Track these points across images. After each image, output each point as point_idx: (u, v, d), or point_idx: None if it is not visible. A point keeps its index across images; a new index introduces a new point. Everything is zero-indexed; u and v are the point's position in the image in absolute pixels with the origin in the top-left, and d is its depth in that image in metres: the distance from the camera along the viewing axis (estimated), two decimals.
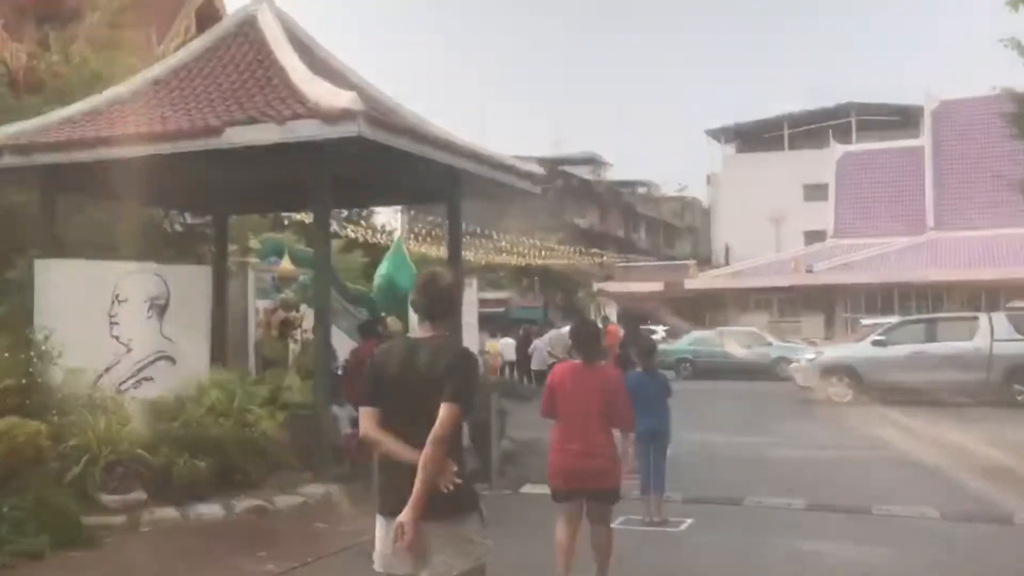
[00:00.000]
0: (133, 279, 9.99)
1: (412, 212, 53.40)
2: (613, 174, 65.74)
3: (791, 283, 37.68)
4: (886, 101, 57.41)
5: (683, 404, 21.49)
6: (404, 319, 14.36)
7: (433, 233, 46.36)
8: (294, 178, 11.32)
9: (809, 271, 37.61)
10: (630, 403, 6.57)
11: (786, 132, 59.83)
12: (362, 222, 40.71)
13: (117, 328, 9.88)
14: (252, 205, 14.73)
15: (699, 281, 42.32)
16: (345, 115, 9.61)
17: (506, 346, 27.16)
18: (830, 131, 53.30)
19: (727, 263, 50.48)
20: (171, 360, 10.20)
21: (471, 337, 23.73)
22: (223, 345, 13.35)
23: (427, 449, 3.88)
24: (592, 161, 63.35)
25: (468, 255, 45.81)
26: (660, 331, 38.84)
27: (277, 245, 28.15)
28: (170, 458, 9.22)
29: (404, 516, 3.85)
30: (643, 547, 8.09)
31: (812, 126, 58.21)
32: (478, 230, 44.85)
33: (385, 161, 11.44)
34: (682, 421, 17.22)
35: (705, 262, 55.42)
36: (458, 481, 3.95)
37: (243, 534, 8.59)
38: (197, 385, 10.16)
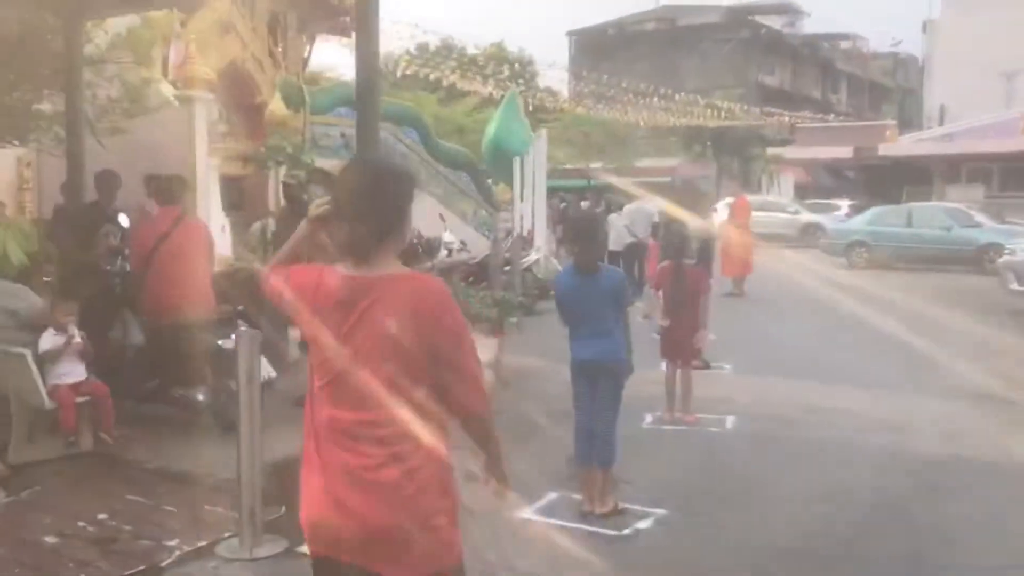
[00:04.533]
0: None
1: (577, 71, 47.15)
2: (811, 25, 55.97)
3: (1017, 148, 28.80)
4: None
5: (825, 310, 14.01)
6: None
7: (603, 94, 40.13)
8: None
9: None
10: (479, 364, 2.59)
11: None
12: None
13: None
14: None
15: (897, 146, 33.79)
16: None
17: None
18: None
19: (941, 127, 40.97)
20: None
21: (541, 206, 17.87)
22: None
23: None
24: (786, 10, 53.87)
25: (632, 115, 39.21)
26: (844, 206, 31.24)
27: (347, 92, 22.98)
28: None
29: None
30: None
31: None
32: (644, 87, 38.00)
33: None
34: (798, 345, 10.85)
35: (912, 125, 45.87)
36: None
37: None
38: None
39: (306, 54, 22.04)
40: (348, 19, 22.80)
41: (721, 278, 15.35)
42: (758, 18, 50.83)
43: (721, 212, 20.56)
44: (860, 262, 20.93)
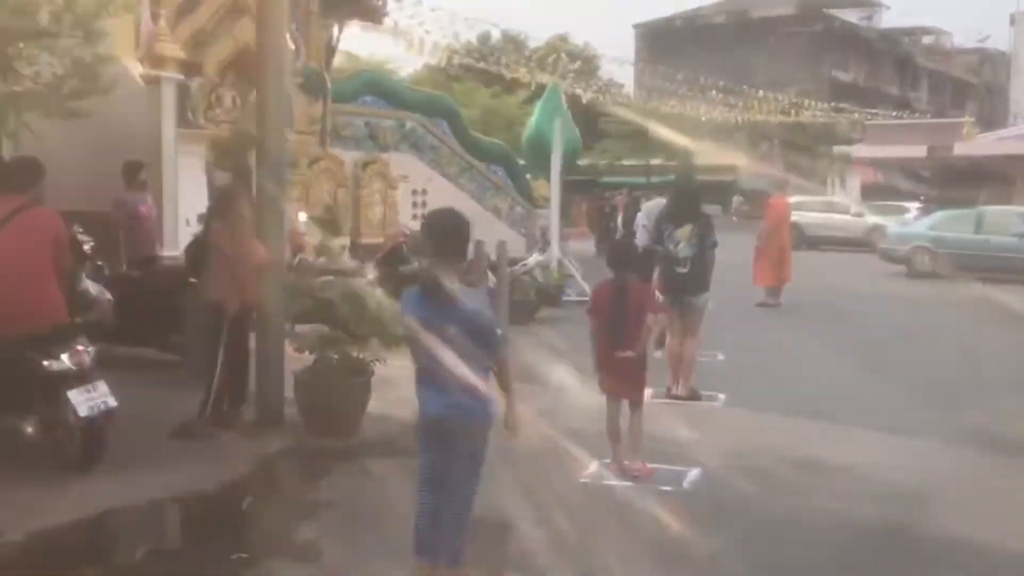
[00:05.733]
0: None
1: (643, 64, 45.43)
2: (890, 19, 53.03)
3: None
4: None
5: (867, 326, 12.18)
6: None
7: (668, 89, 38.35)
8: None
9: None
10: None
11: None
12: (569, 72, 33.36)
13: None
14: None
15: (975, 145, 31.19)
16: None
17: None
18: None
19: None
20: None
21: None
22: None
23: None
24: (864, 3, 51.10)
25: (694, 111, 37.41)
26: (913, 208, 28.90)
27: (373, 80, 21.79)
28: None
29: None
30: None
31: None
32: (710, 81, 36.16)
33: None
34: (819, 371, 8.95)
35: (998, 124, 42.83)
36: None
37: None
38: None
39: (334, 41, 20.89)
40: (380, 2, 21.61)
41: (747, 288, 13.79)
42: (833, 11, 48.28)
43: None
44: (921, 270, 18.92)
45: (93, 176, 10.94)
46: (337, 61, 23.40)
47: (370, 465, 5.83)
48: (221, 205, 6.08)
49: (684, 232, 7.57)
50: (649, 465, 5.64)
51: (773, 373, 8.95)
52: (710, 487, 5.48)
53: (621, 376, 5.55)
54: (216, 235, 6.03)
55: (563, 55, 30.40)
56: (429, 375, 3.66)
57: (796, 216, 27.63)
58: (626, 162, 40.93)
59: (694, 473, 5.67)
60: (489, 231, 18.01)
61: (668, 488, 5.41)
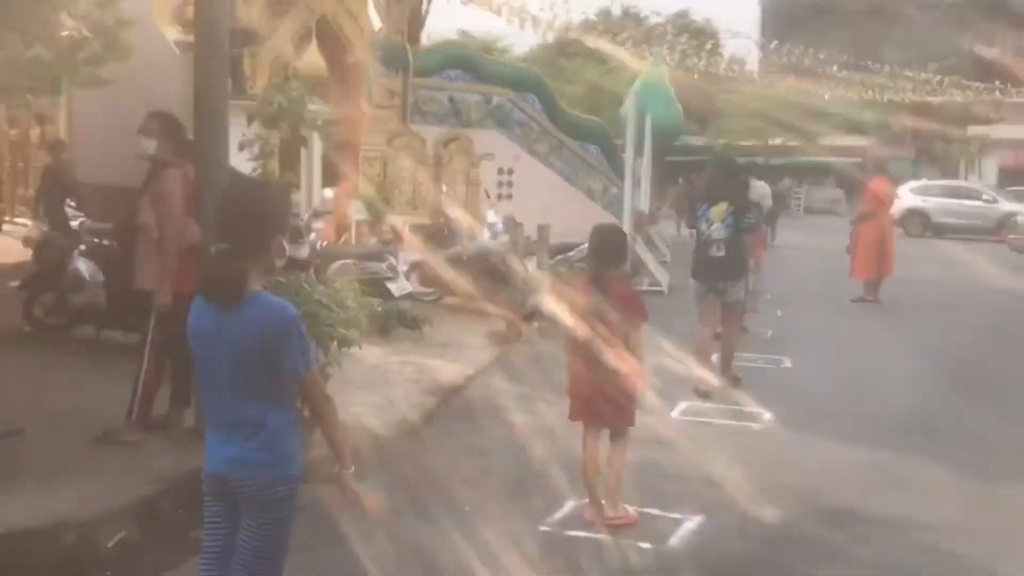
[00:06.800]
0: None
1: (774, 41, 42.97)
2: None
3: None
4: None
5: (978, 330, 10.27)
6: None
7: (792, 66, 35.96)
8: None
9: None
10: None
11: None
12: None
13: None
14: None
15: None
16: None
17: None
18: None
19: None
20: None
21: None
22: None
23: None
24: None
25: (820, 89, 35.04)
26: None
27: (457, 52, 20.80)
28: None
29: None
30: None
31: None
32: (839, 57, 33.59)
33: None
34: (901, 385, 7.51)
35: None
36: None
37: None
38: None
39: (423, 11, 20.05)
40: None
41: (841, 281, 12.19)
42: None
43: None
44: None
45: (122, 148, 10.37)
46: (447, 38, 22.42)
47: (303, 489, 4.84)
48: (148, 178, 5.18)
49: (718, 211, 6.54)
50: (635, 510, 4.45)
51: (844, 387, 7.52)
52: (705, 545, 4.25)
53: (600, 399, 4.35)
54: (142, 214, 5.15)
55: (669, 28, 28.66)
56: (210, 413, 2.62)
57: (921, 201, 25.37)
58: (744, 142, 38.80)
59: (691, 524, 4.44)
60: (581, 213, 16.83)
61: (647, 545, 4.20)
